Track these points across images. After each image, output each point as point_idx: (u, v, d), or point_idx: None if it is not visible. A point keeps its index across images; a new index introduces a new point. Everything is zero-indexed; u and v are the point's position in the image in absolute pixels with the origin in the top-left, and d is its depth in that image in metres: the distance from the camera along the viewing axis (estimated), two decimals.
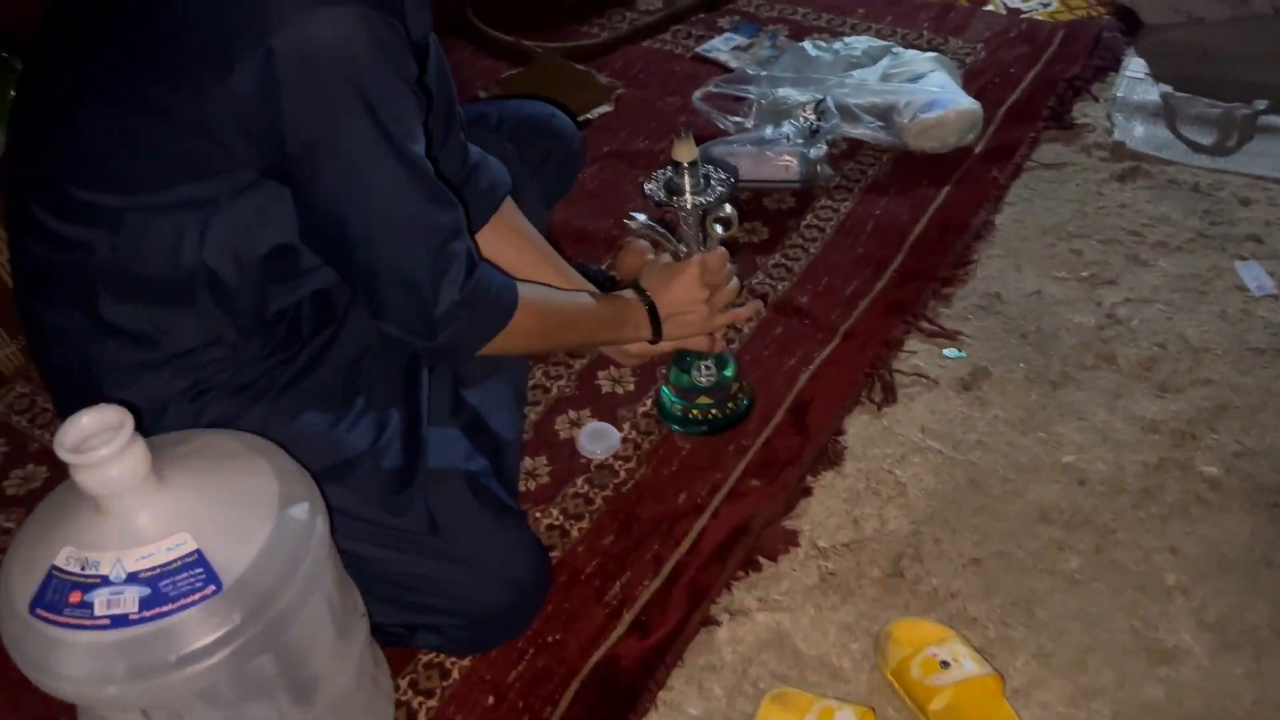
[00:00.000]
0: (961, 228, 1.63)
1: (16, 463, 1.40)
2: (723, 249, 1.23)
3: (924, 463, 1.29)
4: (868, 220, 1.67)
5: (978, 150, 1.78)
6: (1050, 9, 2.13)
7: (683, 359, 1.32)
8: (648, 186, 1.20)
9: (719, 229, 1.22)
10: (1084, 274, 1.54)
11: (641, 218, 1.23)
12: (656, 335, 1.22)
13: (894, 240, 1.63)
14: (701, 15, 2.21)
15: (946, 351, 1.44)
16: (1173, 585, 1.14)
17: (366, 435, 1.07)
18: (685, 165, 1.16)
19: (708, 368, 1.31)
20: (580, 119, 1.93)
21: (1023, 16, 2.11)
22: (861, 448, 1.32)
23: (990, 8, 2.15)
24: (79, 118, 0.91)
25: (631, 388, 1.42)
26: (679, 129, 1.17)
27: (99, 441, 0.78)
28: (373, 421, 1.08)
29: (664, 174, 1.20)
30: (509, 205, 1.25)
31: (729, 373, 1.33)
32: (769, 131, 1.75)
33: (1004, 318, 1.48)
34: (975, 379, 1.39)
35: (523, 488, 1.29)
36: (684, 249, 1.23)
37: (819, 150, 1.73)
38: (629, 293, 1.22)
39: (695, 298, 1.21)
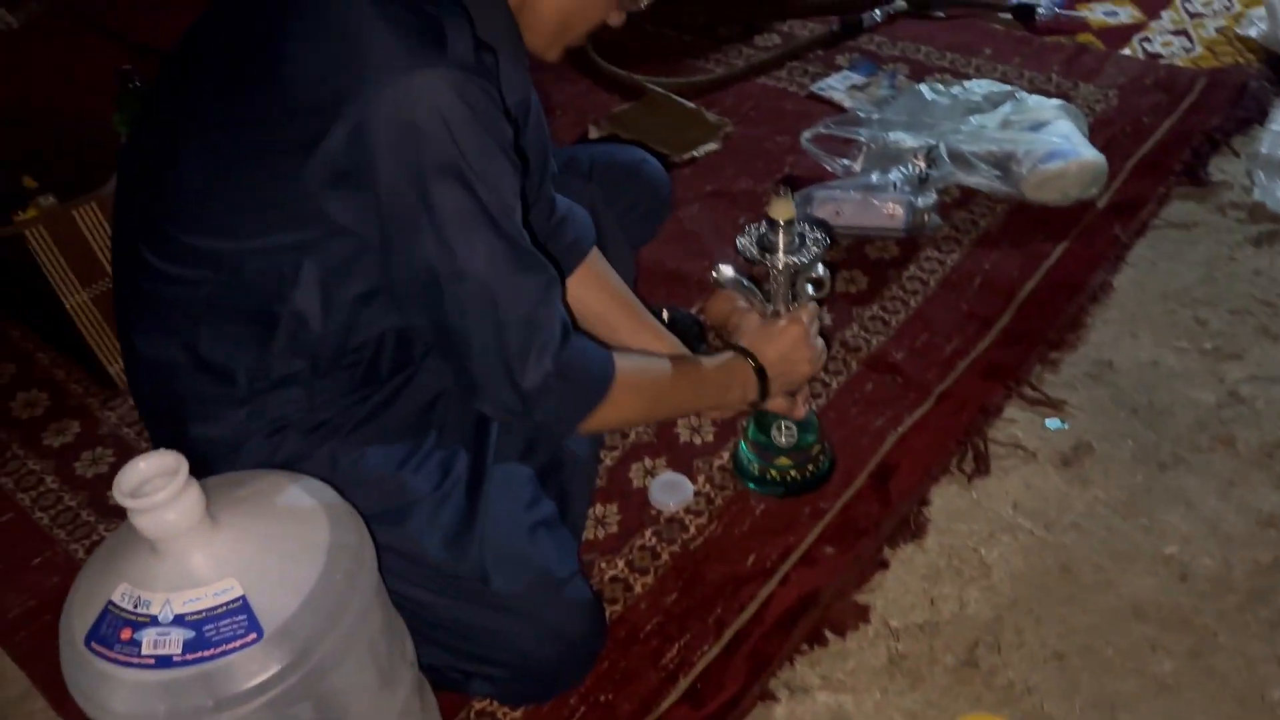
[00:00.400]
0: (1076, 288, 1.54)
1: None
2: (813, 305, 1.21)
3: (1012, 542, 1.22)
4: (975, 275, 1.60)
5: (1100, 205, 1.68)
6: (1193, 54, 2.00)
7: (763, 417, 1.28)
8: (740, 241, 1.18)
9: (810, 290, 1.19)
10: (1207, 346, 1.43)
11: (729, 271, 1.21)
12: (764, 395, 1.18)
13: (1001, 297, 1.55)
14: (820, 52, 2.16)
15: (1048, 422, 1.36)
16: (1277, 701, 1.04)
17: (431, 477, 1.07)
18: (781, 223, 1.14)
19: (788, 428, 1.27)
20: (686, 157, 1.92)
21: (1161, 62, 1.99)
22: (946, 521, 1.25)
23: (1127, 51, 2.03)
24: (181, 162, 0.94)
25: (710, 438, 1.39)
26: (778, 186, 1.14)
27: (155, 486, 0.79)
28: (439, 463, 1.08)
29: (758, 229, 1.17)
30: (596, 255, 1.25)
31: (811, 435, 1.29)
32: (875, 177, 1.70)
33: (1115, 389, 1.39)
34: (1077, 454, 1.31)
35: (590, 535, 1.28)
36: (771, 307, 1.20)
37: (927, 199, 1.66)
38: (730, 354, 1.17)
39: (803, 355, 1.18)
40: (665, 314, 1.55)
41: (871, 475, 1.31)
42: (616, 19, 1.03)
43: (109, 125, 1.92)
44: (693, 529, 1.28)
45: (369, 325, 1.01)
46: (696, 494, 1.32)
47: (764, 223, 1.15)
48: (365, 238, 0.92)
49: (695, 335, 1.53)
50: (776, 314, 1.20)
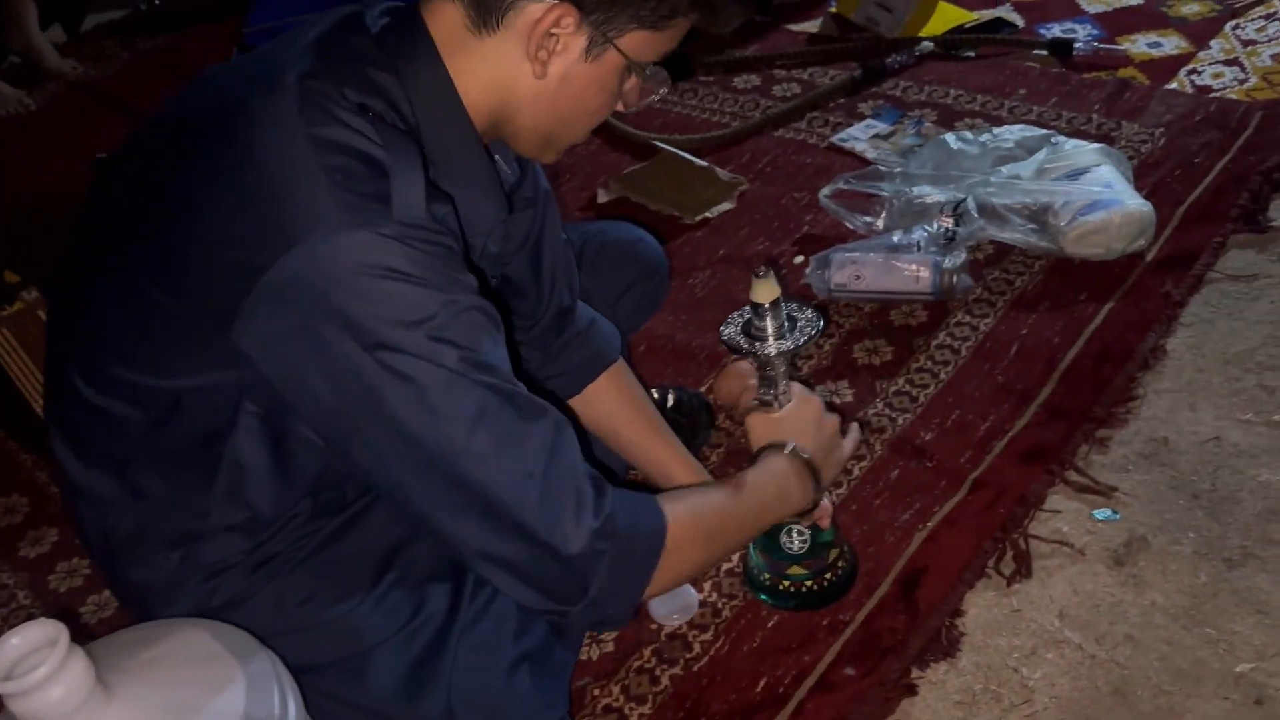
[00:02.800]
0: (1125, 355, 1.39)
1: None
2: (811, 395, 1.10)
3: (1058, 660, 1.07)
4: (1011, 342, 1.45)
5: (1149, 258, 1.53)
6: (1247, 86, 1.85)
7: None
8: (725, 331, 1.05)
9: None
10: (1276, 417, 1.27)
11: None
12: (819, 489, 1.05)
13: (1041, 368, 1.40)
14: (841, 100, 2.04)
15: (1097, 513, 1.21)
16: None
17: (396, 616, 0.95)
18: (766, 307, 1.02)
19: (800, 532, 1.13)
20: (699, 218, 1.81)
21: (1212, 95, 1.84)
22: (983, 635, 1.11)
23: (1174, 86, 1.88)
24: (106, 288, 0.85)
25: None
26: (758, 267, 1.02)
27: (34, 662, 0.69)
28: (407, 599, 0.96)
29: (743, 317, 1.05)
30: (621, 367, 1.16)
31: (827, 537, 1.15)
32: (899, 236, 1.57)
33: (1172, 471, 1.24)
34: (1131, 551, 1.16)
35: (584, 655, 1.15)
36: (773, 394, 1.07)
37: (956, 259, 1.53)
38: (775, 457, 1.03)
39: (831, 429, 1.07)
40: (671, 396, 1.44)
41: (897, 580, 1.17)
42: (632, 103, 0.91)
43: None
44: (697, 647, 1.15)
45: (324, 467, 0.91)
46: (702, 604, 1.19)
47: (749, 308, 1.04)
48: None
49: (704, 420, 1.41)
50: (776, 404, 1.07)
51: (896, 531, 1.23)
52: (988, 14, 2.19)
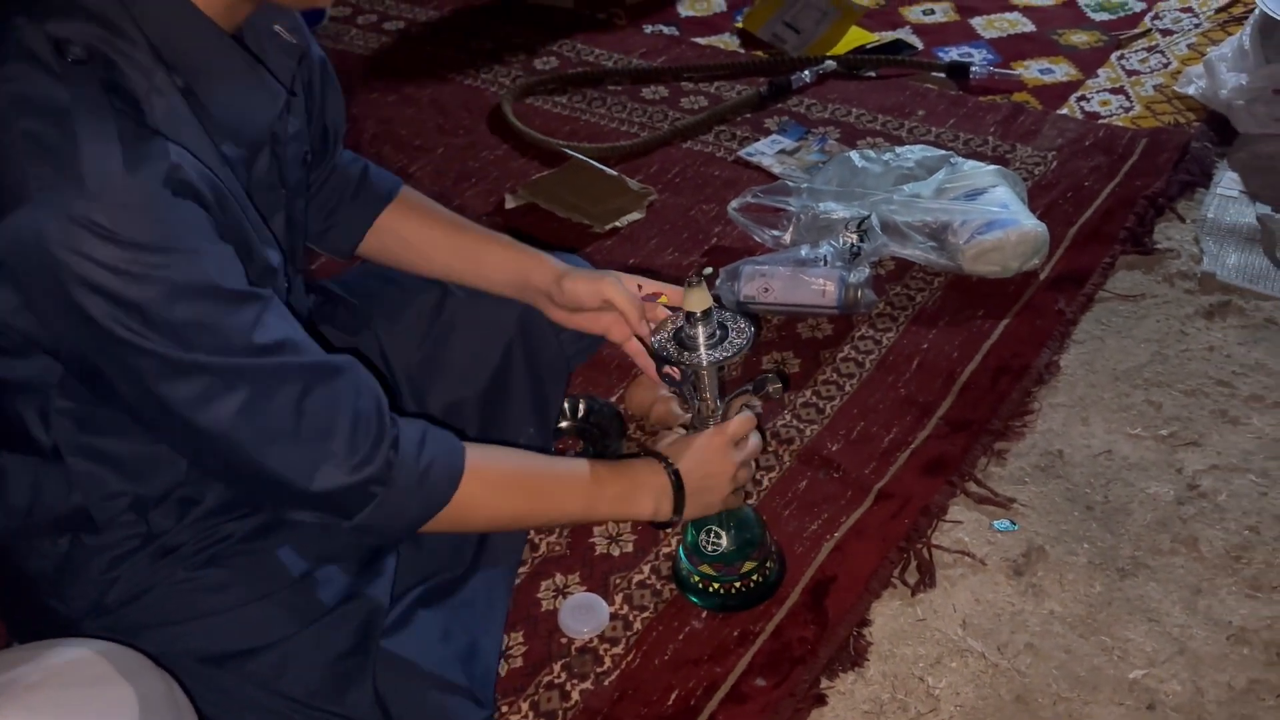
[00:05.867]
0: (1021, 370, 1.43)
1: None
2: (752, 415, 1.09)
3: (962, 669, 1.09)
4: (913, 356, 1.48)
5: (1043, 276, 1.58)
6: (1132, 114, 1.93)
7: (700, 522, 1.13)
8: (655, 340, 1.04)
9: (757, 398, 1.08)
10: (1163, 432, 1.33)
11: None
12: (677, 513, 1.04)
13: (942, 381, 1.44)
14: (748, 115, 2.06)
15: (997, 524, 1.24)
16: None
17: (315, 607, 0.94)
18: (698, 315, 1.01)
19: (716, 535, 1.13)
20: (608, 227, 1.80)
21: (1100, 122, 1.92)
22: (890, 644, 1.12)
23: (1064, 111, 1.96)
24: None
25: (630, 548, 1.25)
26: (690, 276, 1.01)
27: None
28: (327, 590, 0.95)
29: (674, 324, 1.04)
30: (407, 190, 1.16)
31: (752, 535, 1.14)
32: (805, 251, 1.59)
33: (1067, 483, 1.28)
34: (1030, 561, 1.19)
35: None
36: (699, 403, 1.07)
37: (860, 274, 1.55)
38: (646, 464, 1.04)
39: (725, 471, 1.05)
40: (581, 405, 1.43)
41: (806, 590, 1.18)
42: None
43: None
44: (608, 661, 1.13)
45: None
46: (613, 617, 1.17)
47: (681, 317, 1.03)
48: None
49: (615, 429, 1.40)
50: (702, 417, 1.07)
51: (805, 542, 1.24)
52: (888, 35, 2.24)
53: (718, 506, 1.09)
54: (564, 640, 1.16)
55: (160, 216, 0.72)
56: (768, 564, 1.17)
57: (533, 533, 1.27)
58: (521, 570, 1.23)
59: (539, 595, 1.21)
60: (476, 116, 2.16)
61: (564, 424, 1.42)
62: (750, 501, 1.29)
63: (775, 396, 1.08)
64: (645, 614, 1.18)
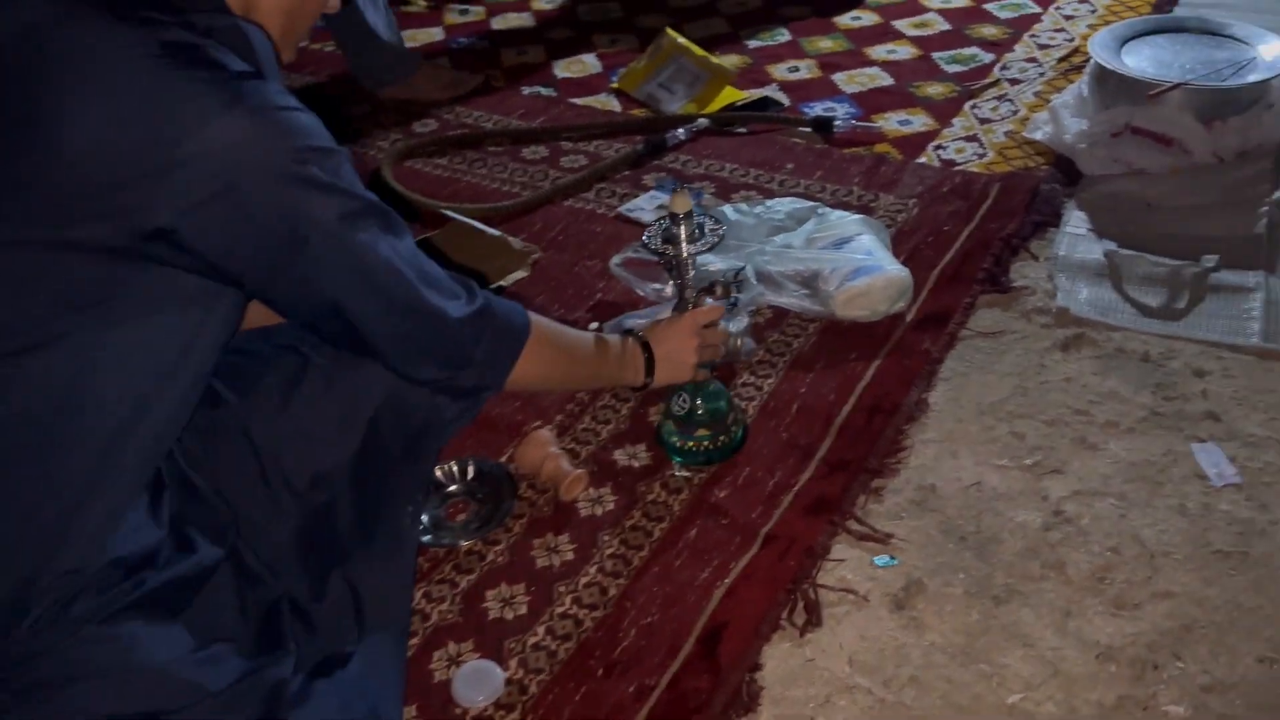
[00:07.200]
0: (893, 408, 1.50)
1: None
2: (718, 305, 1.39)
3: (851, 705, 1.12)
4: (793, 400, 1.53)
5: (910, 318, 1.66)
6: (986, 160, 2.05)
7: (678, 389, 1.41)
8: (645, 236, 1.34)
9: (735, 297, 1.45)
10: (1027, 461, 1.40)
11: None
12: (649, 377, 1.33)
13: (820, 423, 1.49)
14: (627, 172, 2.11)
15: (877, 559, 1.28)
16: None
17: (222, 675, 0.94)
18: (681, 215, 1.30)
19: (682, 399, 1.40)
20: (494, 286, 1.82)
21: (957, 169, 2.03)
22: (781, 687, 1.15)
23: (923, 160, 2.06)
24: None
25: (523, 610, 1.26)
26: (677, 184, 1.38)
27: None
28: (235, 660, 0.95)
29: (661, 225, 1.33)
30: None
31: (716, 406, 1.41)
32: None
33: (941, 515, 1.33)
34: (909, 594, 1.23)
35: None
36: (677, 295, 1.37)
37: (739, 324, 1.60)
38: (629, 341, 1.33)
39: (688, 347, 1.34)
40: (471, 466, 1.43)
41: (700, 639, 1.20)
42: (334, 2, 1.05)
43: None
44: None
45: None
46: (508, 683, 1.17)
47: (667, 218, 1.31)
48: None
49: (507, 490, 1.40)
50: (684, 300, 1.36)
51: (697, 590, 1.26)
52: (757, 92, 2.33)
53: (684, 375, 1.36)
54: (458, 711, 1.15)
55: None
56: (738, 414, 1.46)
57: (425, 600, 1.27)
58: (413, 641, 1.22)
59: (431, 666, 1.20)
60: None
61: (453, 487, 1.42)
62: (642, 553, 1.31)
63: (726, 301, 1.41)
64: (541, 676, 1.18)
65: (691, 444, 1.42)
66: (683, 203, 1.29)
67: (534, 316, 1.15)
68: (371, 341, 1.02)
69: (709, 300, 1.39)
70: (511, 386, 1.14)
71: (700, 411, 1.41)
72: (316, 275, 0.94)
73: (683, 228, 1.30)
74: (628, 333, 1.34)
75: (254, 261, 0.90)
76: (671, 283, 1.38)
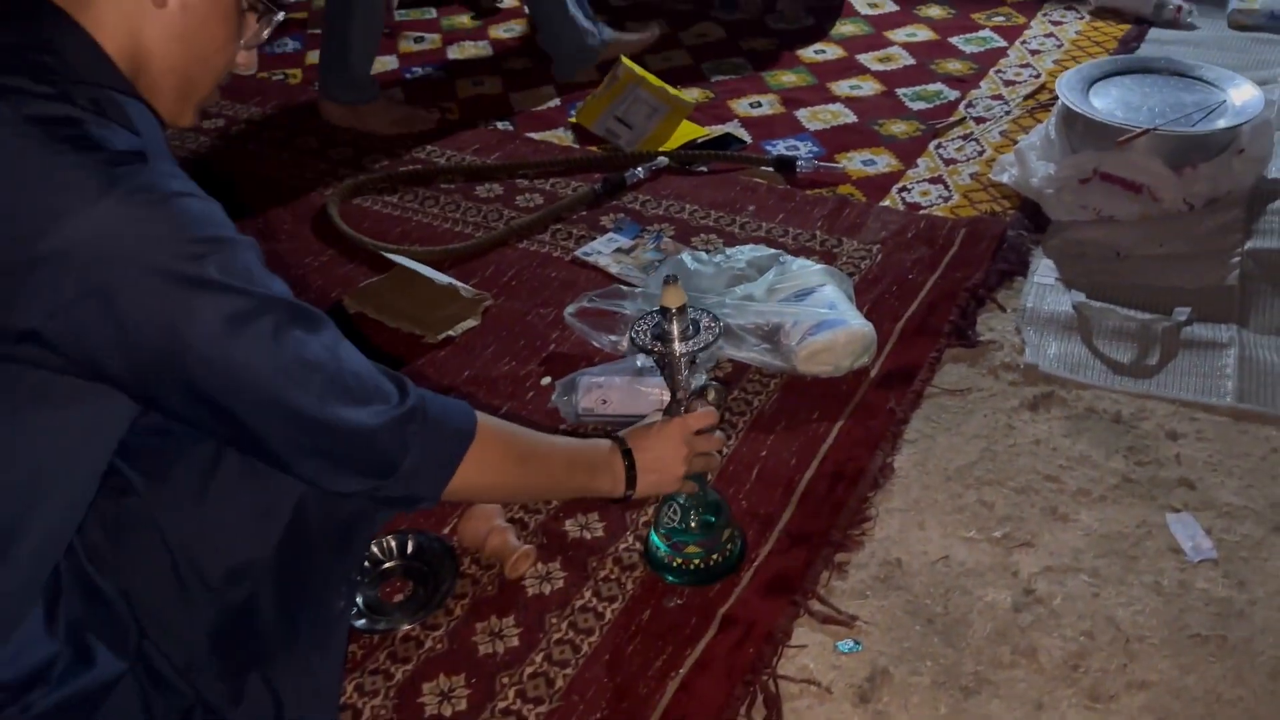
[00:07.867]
0: (857, 474, 1.43)
1: None
2: (712, 410, 1.22)
3: None
4: (753, 464, 1.46)
5: (874, 374, 1.59)
6: (951, 203, 1.99)
7: (668, 501, 1.29)
8: (634, 330, 1.19)
9: (711, 394, 1.24)
10: (996, 534, 1.34)
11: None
12: (630, 489, 1.16)
13: (781, 491, 1.42)
14: (584, 212, 2.04)
15: (841, 644, 1.21)
16: None
17: None
18: (674, 311, 1.15)
19: (673, 510, 1.27)
20: (441, 337, 1.74)
21: (922, 212, 1.97)
22: None
23: (887, 203, 2.00)
24: None
25: (463, 706, 1.17)
26: (666, 276, 1.17)
27: None
28: None
29: (653, 318, 1.19)
30: None
31: (716, 520, 1.28)
32: (641, 360, 1.56)
33: (907, 594, 1.27)
34: (874, 685, 1.17)
35: None
36: (679, 394, 1.22)
37: (698, 380, 1.53)
38: (609, 446, 1.17)
39: (677, 456, 1.18)
40: (410, 542, 1.35)
41: None
42: (246, 60, 0.95)
43: None
44: None
45: None
46: None
47: (659, 311, 1.17)
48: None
49: (448, 566, 1.32)
50: (677, 402, 1.21)
51: (650, 681, 1.18)
52: (718, 129, 2.27)
53: (671, 487, 1.21)
54: None
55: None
56: (735, 532, 1.32)
57: (359, 694, 1.18)
58: None
59: None
60: (300, 219, 2.07)
61: (390, 564, 1.33)
62: (593, 638, 1.23)
63: (716, 403, 1.22)
64: None
65: (680, 561, 1.28)
66: (675, 296, 1.14)
67: (484, 418, 1.02)
68: (276, 454, 0.91)
69: (700, 405, 1.22)
70: (456, 496, 1.01)
71: (693, 524, 1.27)
72: (206, 384, 0.84)
73: (675, 324, 1.15)
74: (610, 436, 1.19)
75: (132, 367, 0.81)
76: (643, 363, 1.27)
